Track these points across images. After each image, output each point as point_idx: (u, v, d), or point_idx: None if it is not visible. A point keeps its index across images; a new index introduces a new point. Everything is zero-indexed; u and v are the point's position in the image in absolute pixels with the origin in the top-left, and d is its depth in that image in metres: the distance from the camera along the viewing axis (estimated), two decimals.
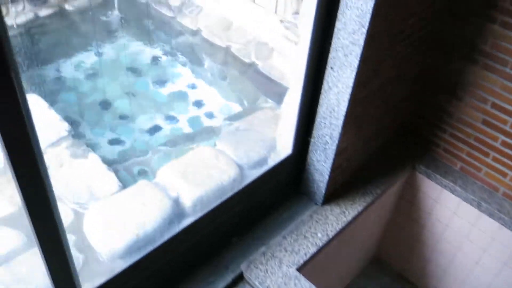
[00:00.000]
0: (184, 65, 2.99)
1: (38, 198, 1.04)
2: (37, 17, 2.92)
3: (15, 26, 2.79)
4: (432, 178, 2.25)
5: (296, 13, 2.61)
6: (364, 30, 1.43)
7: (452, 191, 2.21)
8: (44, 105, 2.28)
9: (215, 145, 2.23)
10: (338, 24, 1.50)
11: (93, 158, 2.09)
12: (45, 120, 2.20)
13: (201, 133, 2.53)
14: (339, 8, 1.47)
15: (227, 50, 2.90)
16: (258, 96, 2.76)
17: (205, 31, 2.99)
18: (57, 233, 1.16)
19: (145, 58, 3.04)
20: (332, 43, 1.55)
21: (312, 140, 1.84)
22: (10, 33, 2.89)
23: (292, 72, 1.84)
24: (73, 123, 2.55)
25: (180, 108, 2.75)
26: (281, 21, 2.69)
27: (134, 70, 2.96)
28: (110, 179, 2.00)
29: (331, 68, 1.60)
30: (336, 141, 1.75)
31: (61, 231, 1.18)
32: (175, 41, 3.12)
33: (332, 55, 1.57)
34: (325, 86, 1.66)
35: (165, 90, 2.85)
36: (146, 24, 3.25)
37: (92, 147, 2.45)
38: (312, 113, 1.77)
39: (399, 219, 2.50)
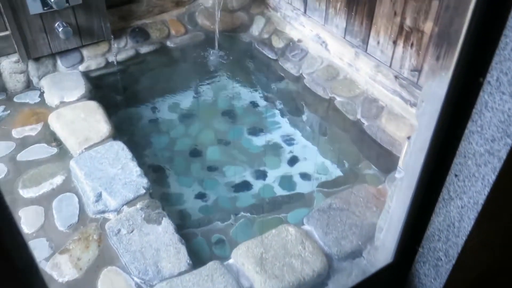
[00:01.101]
0: (282, 114, 2.73)
1: None
2: (138, 54, 2.85)
3: (115, 63, 2.75)
4: None
5: (415, 69, 2.22)
6: (510, 141, 1.04)
7: None
8: (127, 156, 2.15)
9: (302, 223, 1.94)
10: (471, 126, 1.12)
11: (167, 225, 1.90)
12: (125, 174, 2.07)
13: (290, 200, 2.24)
14: (475, 106, 1.09)
15: (330, 102, 2.58)
16: (360, 159, 2.40)
17: (307, 79, 2.71)
18: None
19: (243, 102, 2.84)
20: (460, 145, 1.17)
21: (420, 250, 1.46)
22: (111, 70, 2.85)
23: (404, 161, 1.48)
24: (159, 170, 2.42)
25: (272, 163, 2.48)
26: (396, 77, 2.31)
27: (229, 115, 2.77)
28: (179, 253, 1.80)
29: (455, 175, 1.22)
30: (453, 261, 1.35)
31: None
32: (275, 86, 2.87)
33: (458, 160, 1.19)
34: (445, 194, 1.28)
35: (259, 141, 2.60)
36: (246, 65, 3.05)
37: (175, 200, 2.29)
38: (425, 219, 1.39)
39: None
